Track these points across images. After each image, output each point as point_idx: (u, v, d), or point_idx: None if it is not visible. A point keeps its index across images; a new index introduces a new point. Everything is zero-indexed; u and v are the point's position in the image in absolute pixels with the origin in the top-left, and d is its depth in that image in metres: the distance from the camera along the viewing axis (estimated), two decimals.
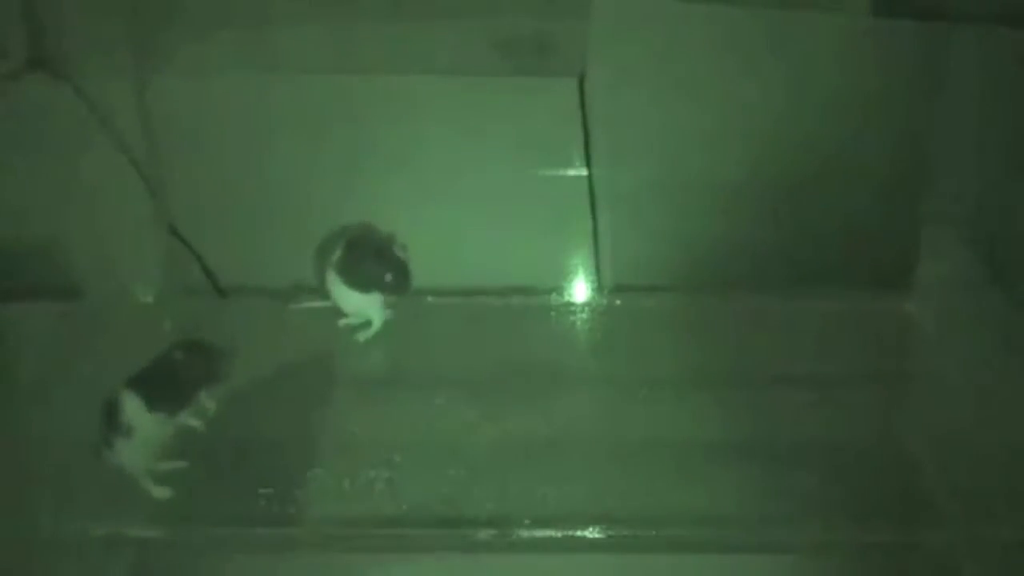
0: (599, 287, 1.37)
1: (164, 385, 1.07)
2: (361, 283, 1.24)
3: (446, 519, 1.05)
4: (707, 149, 1.32)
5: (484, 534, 1.03)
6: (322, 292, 1.27)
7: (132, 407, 1.04)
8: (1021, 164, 1.23)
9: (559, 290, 1.36)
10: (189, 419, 1.09)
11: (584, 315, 1.34)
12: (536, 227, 1.35)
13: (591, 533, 1.03)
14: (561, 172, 1.34)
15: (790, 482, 1.07)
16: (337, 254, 1.25)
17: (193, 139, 1.30)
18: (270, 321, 1.31)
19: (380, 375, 1.25)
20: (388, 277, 1.23)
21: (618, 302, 1.35)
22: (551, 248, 1.37)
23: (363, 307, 1.26)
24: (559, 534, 1.03)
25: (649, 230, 1.36)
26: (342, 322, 1.28)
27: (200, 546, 1.08)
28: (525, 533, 1.03)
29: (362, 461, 1.10)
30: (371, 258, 1.24)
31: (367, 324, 1.27)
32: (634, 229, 1.35)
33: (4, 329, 1.03)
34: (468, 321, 1.31)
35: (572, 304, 1.35)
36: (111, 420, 1.05)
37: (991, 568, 1.06)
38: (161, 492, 1.06)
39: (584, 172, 1.33)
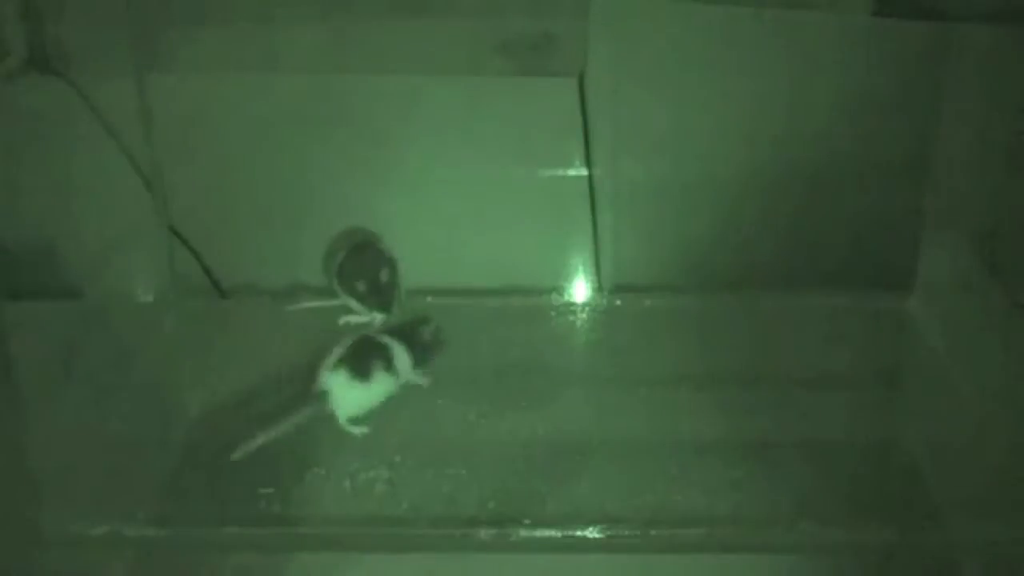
0: (599, 287, 1.37)
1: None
2: (348, 293, 1.26)
3: (446, 519, 1.05)
4: (707, 149, 1.32)
5: (484, 534, 1.03)
6: (328, 292, 1.28)
7: (402, 360, 1.15)
8: (1021, 164, 1.23)
9: (559, 290, 1.36)
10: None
11: (584, 315, 1.34)
12: (536, 227, 1.35)
13: (591, 533, 1.03)
14: (561, 172, 1.34)
15: (789, 482, 1.07)
16: (339, 258, 1.26)
17: (193, 139, 1.30)
18: (270, 321, 1.31)
19: None
20: (370, 299, 1.25)
21: (618, 302, 1.35)
22: (551, 248, 1.37)
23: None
24: (559, 534, 1.03)
25: (649, 230, 1.36)
26: (343, 320, 1.28)
27: (200, 546, 1.08)
28: (525, 533, 1.03)
29: (362, 461, 1.10)
30: (358, 278, 1.25)
31: (368, 324, 1.27)
32: (634, 229, 1.35)
33: (4, 328, 1.02)
34: (468, 321, 1.31)
35: (572, 304, 1.35)
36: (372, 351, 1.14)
37: (991, 568, 1.06)
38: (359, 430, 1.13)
39: (584, 172, 1.33)
